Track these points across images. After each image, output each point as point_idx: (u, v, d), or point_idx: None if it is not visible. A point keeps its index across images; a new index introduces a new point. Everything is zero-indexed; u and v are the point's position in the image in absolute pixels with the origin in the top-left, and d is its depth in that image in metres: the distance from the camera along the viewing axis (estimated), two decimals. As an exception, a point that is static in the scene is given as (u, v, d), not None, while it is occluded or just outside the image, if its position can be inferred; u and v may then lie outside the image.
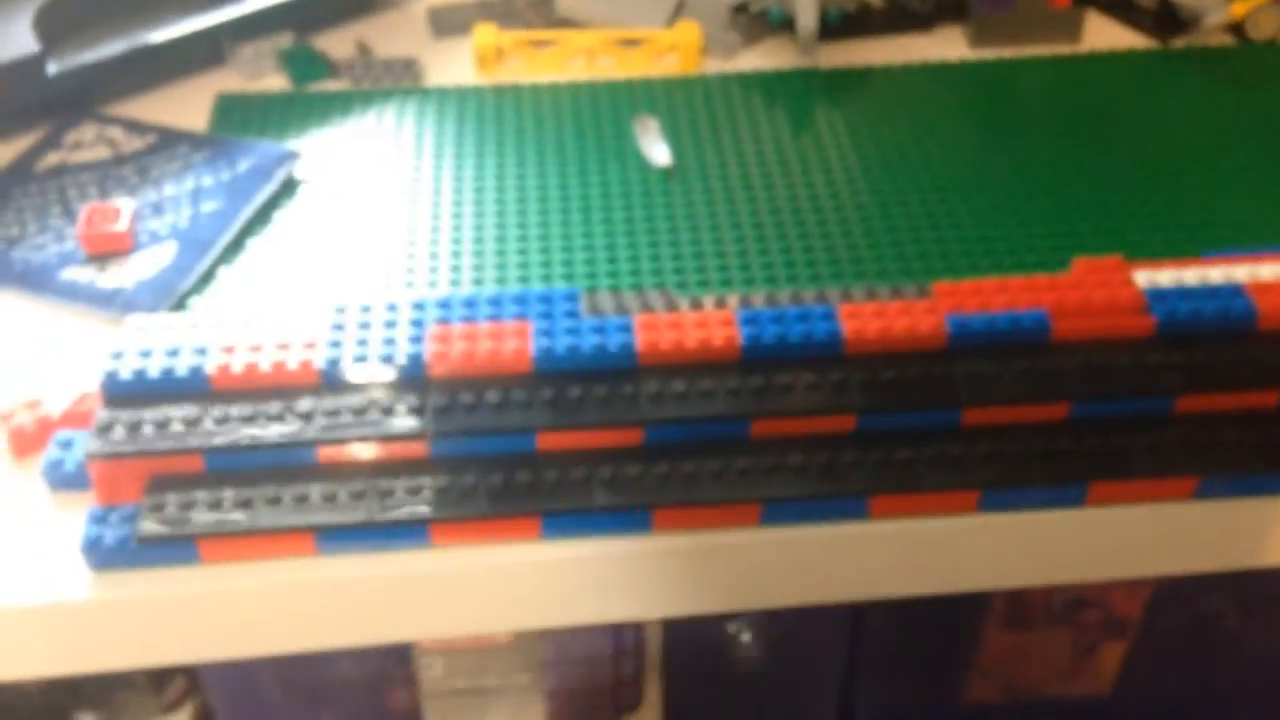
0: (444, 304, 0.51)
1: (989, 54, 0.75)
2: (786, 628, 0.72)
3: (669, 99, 0.71)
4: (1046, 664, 0.76)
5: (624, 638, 0.67)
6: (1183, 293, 0.51)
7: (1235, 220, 0.62)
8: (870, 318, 0.50)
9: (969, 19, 0.75)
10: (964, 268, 0.59)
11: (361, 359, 0.48)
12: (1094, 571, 0.50)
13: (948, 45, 0.75)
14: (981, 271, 0.59)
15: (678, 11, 0.75)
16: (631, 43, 0.73)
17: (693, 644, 0.71)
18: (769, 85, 0.72)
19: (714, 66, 0.74)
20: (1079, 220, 0.62)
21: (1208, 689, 0.79)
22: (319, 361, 0.48)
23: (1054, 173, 0.65)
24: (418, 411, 0.47)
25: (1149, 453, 0.48)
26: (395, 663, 0.67)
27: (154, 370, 0.47)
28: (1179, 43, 0.74)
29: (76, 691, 0.71)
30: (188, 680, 0.72)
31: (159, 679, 0.73)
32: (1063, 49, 0.75)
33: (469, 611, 0.48)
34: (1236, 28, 0.75)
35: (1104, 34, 0.76)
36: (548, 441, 0.48)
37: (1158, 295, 0.51)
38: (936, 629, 0.74)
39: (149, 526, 0.45)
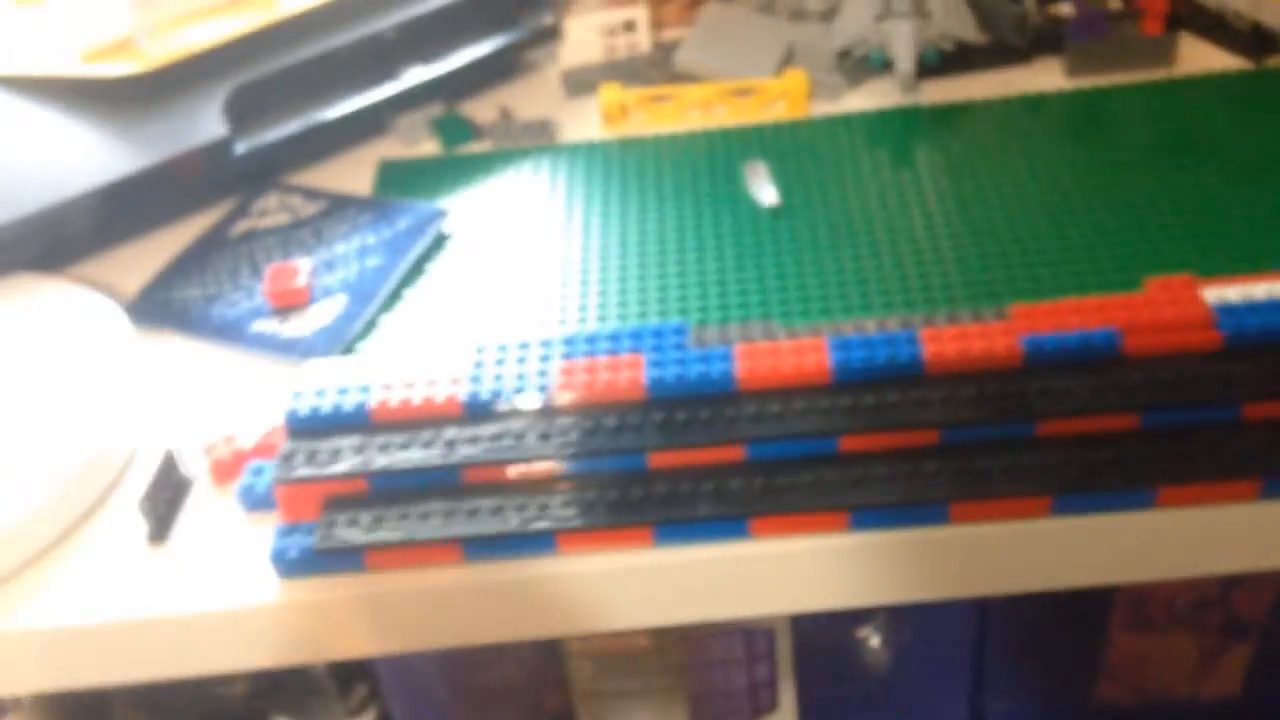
0: (569, 341, 0.58)
1: (1085, 83, 0.77)
2: (913, 630, 0.75)
3: (779, 142, 0.77)
4: (1173, 666, 0.78)
5: (756, 642, 0.72)
6: (1251, 307, 0.54)
7: (1325, 232, 0.64)
8: (950, 340, 0.55)
9: (1065, 49, 0.78)
10: (1049, 290, 0.63)
11: (497, 392, 0.56)
12: (1165, 571, 0.53)
13: (1045, 77, 0.79)
14: (1065, 293, 0.62)
15: (786, 60, 0.81)
16: (744, 92, 0.80)
17: (823, 647, 0.75)
18: (871, 125, 0.77)
19: (821, 109, 0.79)
20: (1162, 240, 0.65)
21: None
22: (462, 395, 0.56)
23: (1142, 195, 0.68)
24: (546, 437, 0.55)
25: (1215, 457, 0.52)
26: (549, 666, 0.73)
27: (327, 407, 0.56)
28: (1273, 62, 0.76)
29: (274, 696, 0.79)
30: (369, 687, 0.80)
31: (345, 685, 0.81)
32: (1158, 74, 0.77)
33: (593, 611, 0.55)
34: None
35: (1198, 57, 0.78)
36: (658, 460, 0.54)
37: (1226, 310, 0.54)
38: (1060, 631, 0.77)
39: (325, 540, 0.53)
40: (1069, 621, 0.76)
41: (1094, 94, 0.77)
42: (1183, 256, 0.64)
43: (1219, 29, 0.78)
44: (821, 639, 0.74)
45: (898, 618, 0.75)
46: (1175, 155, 0.71)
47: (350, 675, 0.78)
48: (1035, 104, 0.76)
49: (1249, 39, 0.77)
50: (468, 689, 0.75)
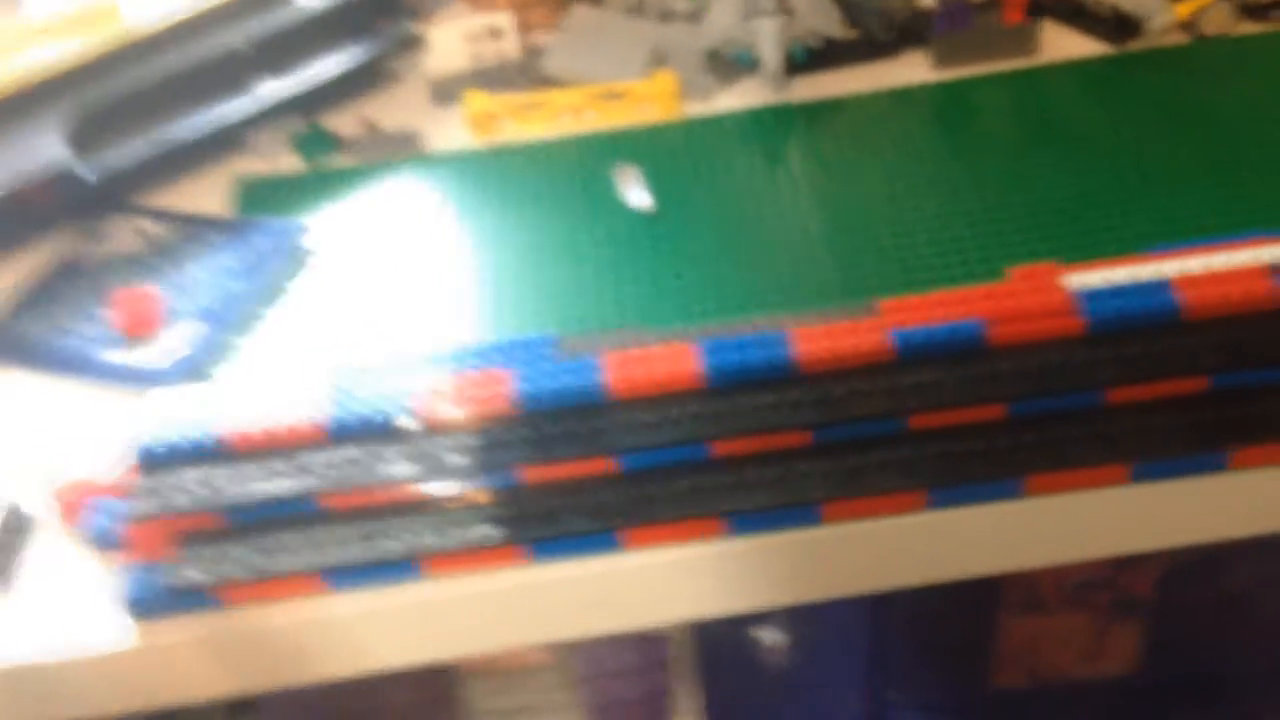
0: (435, 359, 0.56)
1: (951, 74, 0.78)
2: (812, 627, 0.75)
3: (651, 145, 0.76)
4: (1067, 647, 0.79)
5: (653, 650, 0.71)
6: (1112, 292, 0.55)
7: (1185, 215, 0.65)
8: (820, 339, 0.54)
9: (930, 42, 0.78)
10: (921, 282, 0.63)
11: (361, 415, 0.53)
12: (1039, 558, 0.54)
13: (912, 69, 0.79)
14: (936, 284, 0.62)
15: (656, 62, 0.80)
16: (614, 95, 0.78)
17: (723, 649, 0.75)
18: (743, 124, 0.77)
19: (693, 110, 0.79)
20: (1029, 228, 0.65)
21: (1233, 664, 0.80)
22: (323, 418, 0.53)
23: (1008, 184, 0.69)
24: (412, 458, 0.53)
25: (1082, 443, 0.52)
26: (441, 686, 0.71)
27: (177, 438, 0.53)
28: (1134, 46, 0.77)
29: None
30: (260, 717, 0.77)
31: (235, 714, 0.79)
32: (1021, 62, 0.78)
33: (469, 634, 0.53)
34: (1191, 25, 0.78)
35: (1061, 44, 0.79)
36: (530, 475, 0.53)
37: (1088, 296, 0.54)
38: (952, 620, 0.77)
39: (175, 578, 0.51)
40: (961, 610, 0.77)
41: (960, 85, 0.77)
42: (1048, 244, 0.64)
43: (1080, 15, 0.79)
44: (721, 641, 0.74)
45: (796, 616, 0.74)
46: (1038, 143, 0.72)
47: (240, 705, 0.75)
48: (903, 97, 0.77)
49: (1109, 24, 0.78)
50: (356, 714, 0.73)
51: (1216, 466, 0.52)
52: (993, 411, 0.53)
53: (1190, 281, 0.54)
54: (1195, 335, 0.53)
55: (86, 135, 0.73)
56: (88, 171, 0.71)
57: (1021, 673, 0.80)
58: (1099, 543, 0.54)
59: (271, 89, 0.78)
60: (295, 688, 0.65)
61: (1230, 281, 0.54)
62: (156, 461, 0.53)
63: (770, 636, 0.75)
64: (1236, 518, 0.54)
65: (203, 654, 0.51)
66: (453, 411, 0.53)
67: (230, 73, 0.77)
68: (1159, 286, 0.54)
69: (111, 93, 0.73)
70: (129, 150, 0.73)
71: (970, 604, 0.76)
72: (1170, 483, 0.52)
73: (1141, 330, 0.53)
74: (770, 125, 0.76)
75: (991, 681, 0.80)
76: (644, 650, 0.71)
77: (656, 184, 0.73)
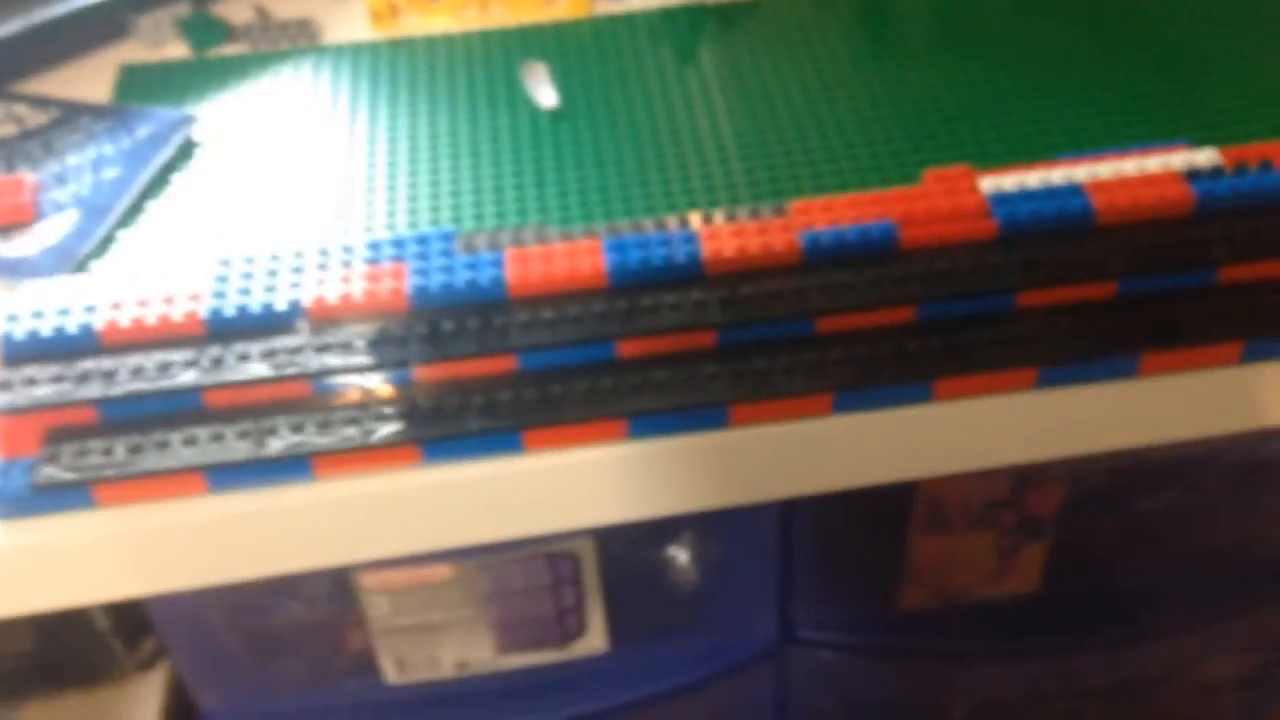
0: (324, 251, 0.53)
1: (869, -22, 0.76)
2: (719, 545, 0.74)
3: (560, 43, 0.73)
4: (972, 567, 0.79)
5: (561, 567, 0.70)
6: (1025, 195, 0.54)
7: (1101, 123, 0.64)
8: (728, 238, 0.53)
9: (851, -56, 0.76)
10: (832, 186, 0.61)
11: (243, 307, 0.51)
12: (948, 465, 0.53)
13: (831, -28, 0.77)
14: (848, 189, 0.61)
15: (567, -44, 0.77)
16: (522, -11, 0.75)
17: (630, 567, 0.74)
18: (655, 24, 0.74)
19: (603, 8, 0.76)
20: (943, 133, 0.64)
21: (1136, 583, 0.81)
22: (203, 311, 0.50)
23: (924, 88, 0.67)
24: (296, 352, 0.50)
25: (991, 347, 0.51)
26: (342, 604, 0.69)
27: (46, 330, 0.50)
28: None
29: (51, 655, 0.74)
30: (158, 640, 0.75)
31: (131, 638, 0.76)
32: (940, -34, 0.76)
33: (357, 538, 0.51)
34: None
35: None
36: (424, 374, 0.51)
37: (1001, 199, 0.53)
38: (861, 537, 0.77)
39: (45, 475, 0.48)
40: (869, 527, 0.77)
41: (878, -10, 0.75)
42: (963, 149, 0.63)
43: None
44: (628, 559, 0.73)
45: (704, 534, 0.74)
46: (956, 47, 0.70)
47: (137, 627, 0.73)
48: (821, 0, 0.74)
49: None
50: (255, 633, 0.71)
51: (1126, 372, 0.52)
52: (902, 314, 0.52)
53: (1102, 186, 0.54)
54: (1106, 240, 0.52)
55: (-48, 10, 0.68)
56: (-48, 49, 0.66)
57: (929, 591, 0.80)
58: (1008, 449, 0.53)
59: (157, -31, 0.73)
60: (189, 609, 0.64)
61: (1142, 186, 0.53)
62: (22, 353, 0.50)
63: (679, 554, 0.74)
64: (1144, 425, 0.54)
65: (73, 557, 0.49)
66: (344, 305, 0.51)
67: (112, -50, 0.73)
68: (1071, 191, 0.53)
69: (-21, -35, 0.68)
70: (1, 29, 0.68)
71: (880, 522, 0.76)
72: (1079, 389, 0.51)
73: (1053, 234, 0.53)
74: (683, 25, 0.74)
75: (899, 601, 0.80)
76: (553, 567, 0.70)
77: (564, 82, 0.70)
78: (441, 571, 0.67)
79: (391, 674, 0.70)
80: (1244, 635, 0.83)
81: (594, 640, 0.72)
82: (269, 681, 0.71)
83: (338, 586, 0.66)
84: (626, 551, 0.72)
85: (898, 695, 0.82)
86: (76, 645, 0.74)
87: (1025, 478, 0.70)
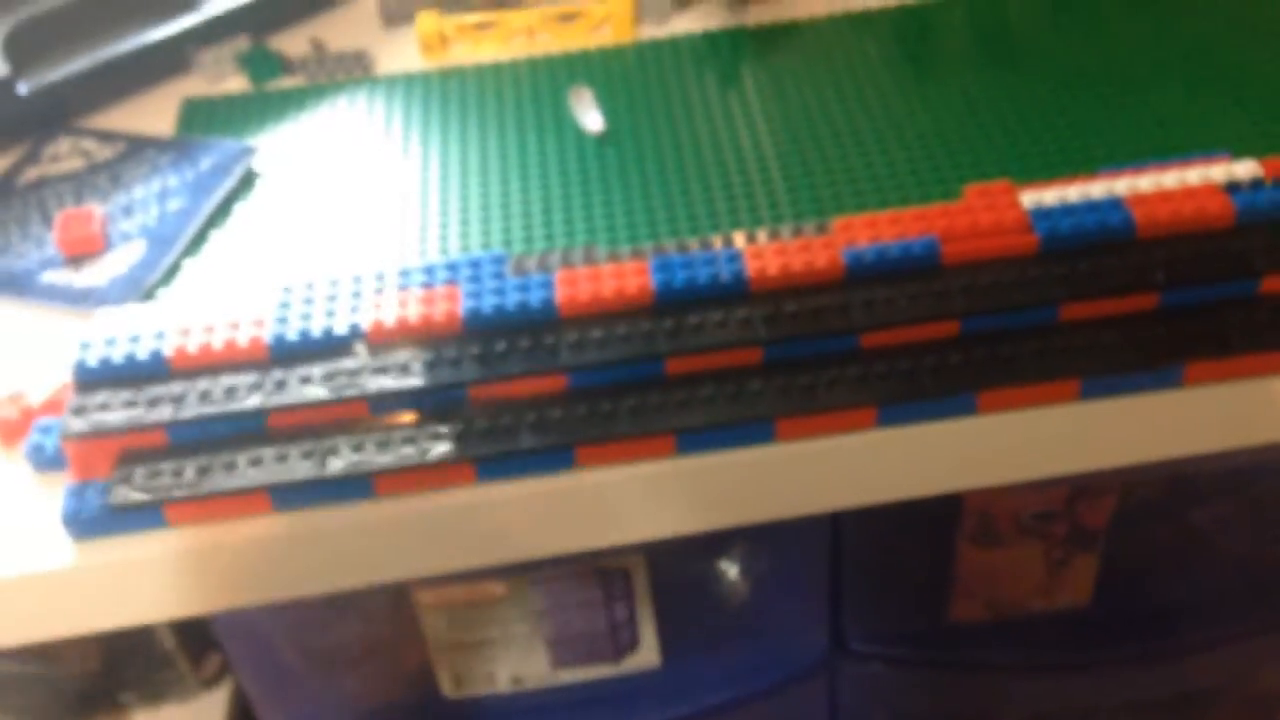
0: (379, 276, 0.55)
1: (910, -2, 0.77)
2: (770, 559, 0.75)
3: (605, 68, 0.75)
4: (1023, 579, 0.79)
5: (613, 582, 0.71)
6: (1066, 209, 0.54)
7: (1141, 136, 0.65)
8: (772, 256, 0.54)
9: (888, -35, 0.77)
10: (874, 204, 0.62)
11: (304, 332, 0.52)
12: (992, 477, 0.54)
13: (870, -7, 0.78)
14: (890, 205, 0.62)
15: (611, -17, 0.79)
16: (568, 17, 0.77)
17: (681, 582, 0.74)
18: (698, 47, 0.75)
19: (648, 33, 0.77)
20: (983, 148, 0.65)
21: (1188, 595, 0.81)
22: (267, 337, 0.52)
23: (965, 105, 0.68)
24: (356, 375, 0.52)
25: (1034, 360, 0.52)
26: (400, 621, 0.71)
27: (118, 356, 0.52)
28: (1092, -31, 0.76)
29: (118, 674, 0.76)
30: (223, 657, 0.76)
31: (196, 656, 0.78)
32: (979, -15, 0.77)
33: (417, 555, 0.53)
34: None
35: (1019, -33, 0.78)
36: (478, 394, 0.52)
37: (1042, 214, 0.54)
38: (910, 550, 0.77)
39: (120, 496, 0.50)
40: (918, 540, 0.77)
41: (919, 7, 0.76)
42: (1003, 164, 0.64)
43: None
44: (679, 573, 0.74)
45: (753, 547, 0.74)
46: (995, 62, 0.71)
47: (202, 646, 0.75)
48: (861, 20, 0.76)
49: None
50: (317, 650, 0.72)
51: (1169, 383, 0.52)
52: (945, 328, 0.52)
53: (1143, 199, 0.54)
54: (1147, 253, 0.53)
55: (24, 49, 0.70)
56: (26, 86, 0.69)
57: (980, 604, 0.80)
58: (1051, 461, 0.54)
59: (218, 6, 0.76)
60: (253, 627, 0.65)
61: (1181, 199, 0.54)
62: (95, 380, 0.52)
63: (730, 568, 0.75)
64: (1189, 436, 0.54)
65: (145, 575, 0.51)
66: (400, 327, 0.52)
67: (174, -12, 0.75)
68: (1112, 204, 0.54)
69: (49, 4, 0.71)
70: (69, 65, 0.71)
71: (929, 535, 0.76)
72: (1123, 400, 0.52)
73: (1094, 248, 0.53)
74: (725, 48, 0.75)
75: (950, 614, 0.80)
76: (605, 583, 0.71)
77: (610, 107, 0.71)
78: (496, 589, 0.68)
79: (449, 688, 0.71)
80: (1298, 646, 0.82)
81: (647, 655, 0.73)
82: (330, 697, 0.73)
83: (396, 603, 0.68)
84: (677, 566, 0.72)
85: (949, 708, 0.82)
86: (143, 664, 0.75)
87: (1076, 489, 0.70)
